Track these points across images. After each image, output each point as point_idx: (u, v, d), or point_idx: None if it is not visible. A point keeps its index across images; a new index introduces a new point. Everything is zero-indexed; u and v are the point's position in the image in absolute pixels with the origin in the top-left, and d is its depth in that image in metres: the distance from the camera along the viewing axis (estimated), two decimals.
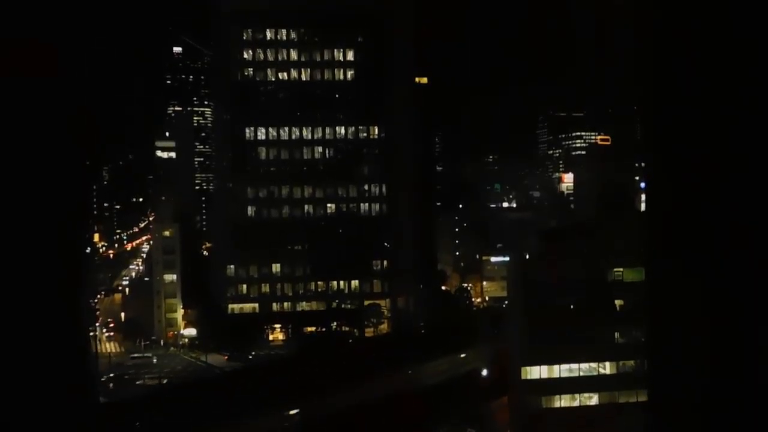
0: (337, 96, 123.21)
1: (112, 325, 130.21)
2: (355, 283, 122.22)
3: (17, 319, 43.55)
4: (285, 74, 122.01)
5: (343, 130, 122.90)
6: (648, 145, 50.70)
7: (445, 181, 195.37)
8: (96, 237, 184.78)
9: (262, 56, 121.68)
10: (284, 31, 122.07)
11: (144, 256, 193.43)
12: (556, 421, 71.28)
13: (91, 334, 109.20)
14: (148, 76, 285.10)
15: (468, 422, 77.31)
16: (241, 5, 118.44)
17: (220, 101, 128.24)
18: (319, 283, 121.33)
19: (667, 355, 46.25)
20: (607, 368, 73.49)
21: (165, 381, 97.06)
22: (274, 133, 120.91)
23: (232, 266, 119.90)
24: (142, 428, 69.80)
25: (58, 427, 46.68)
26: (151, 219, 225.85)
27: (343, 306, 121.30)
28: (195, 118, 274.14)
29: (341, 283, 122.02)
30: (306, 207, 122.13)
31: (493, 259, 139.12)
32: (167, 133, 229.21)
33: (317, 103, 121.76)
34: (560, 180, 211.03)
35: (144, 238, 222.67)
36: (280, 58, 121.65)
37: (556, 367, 72.05)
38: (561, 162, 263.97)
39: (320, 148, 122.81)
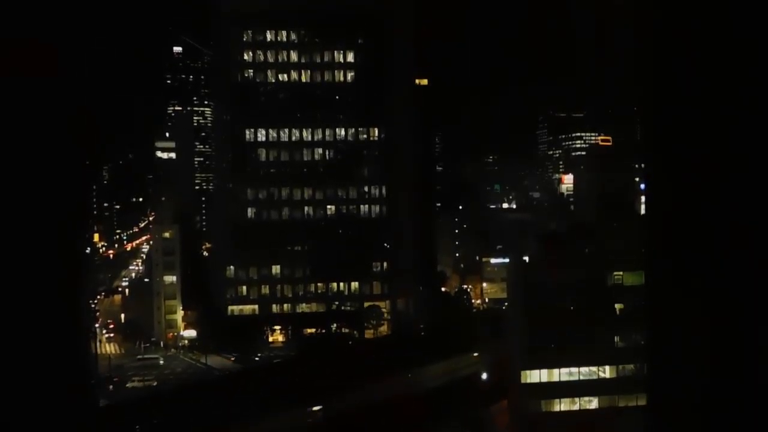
0: (337, 97, 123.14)
1: (111, 326, 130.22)
2: (355, 284, 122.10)
3: (17, 319, 43.49)
4: (285, 75, 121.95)
5: (343, 132, 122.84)
6: (648, 145, 50.66)
7: (445, 181, 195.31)
8: (96, 237, 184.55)
9: (262, 57, 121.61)
10: (284, 33, 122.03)
11: (144, 256, 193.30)
12: (555, 425, 71.27)
13: (92, 335, 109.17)
14: (148, 76, 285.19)
15: (468, 426, 77.17)
16: (241, 6, 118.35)
17: (221, 102, 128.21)
18: (318, 284, 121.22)
19: (667, 355, 46.19)
20: (606, 372, 73.47)
21: (155, 383, 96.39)
22: (274, 135, 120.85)
23: (232, 268, 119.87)
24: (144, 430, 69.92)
25: (58, 427, 46.62)
26: (150, 219, 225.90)
27: (343, 307, 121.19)
28: (195, 118, 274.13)
29: (341, 284, 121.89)
30: (306, 208, 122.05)
31: (493, 260, 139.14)
32: (167, 134, 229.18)
33: (317, 105, 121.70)
34: (560, 181, 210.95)
35: (144, 238, 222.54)
36: (280, 59, 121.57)
37: (555, 371, 72.11)
38: (561, 162, 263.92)
39: (320, 150, 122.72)
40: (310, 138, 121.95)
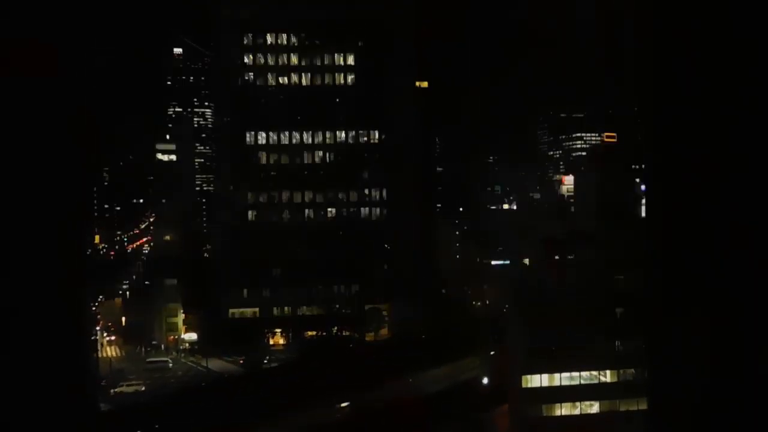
0: (337, 100, 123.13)
1: (112, 329, 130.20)
2: (355, 287, 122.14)
3: (18, 319, 43.41)
4: (285, 78, 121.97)
5: (343, 135, 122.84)
6: (648, 145, 50.66)
7: (446, 182, 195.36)
8: (96, 238, 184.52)
9: (262, 60, 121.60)
10: (284, 36, 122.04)
11: (144, 257, 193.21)
12: (556, 430, 71.15)
13: (92, 337, 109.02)
14: (149, 77, 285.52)
15: (468, 430, 77.11)
16: (241, 10, 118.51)
17: (221, 106, 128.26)
18: (319, 287, 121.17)
19: (667, 355, 46.16)
20: (607, 376, 73.34)
21: (143, 388, 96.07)
22: (275, 138, 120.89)
23: (232, 270, 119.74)
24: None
25: (59, 429, 46.51)
26: (151, 220, 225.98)
27: (343, 310, 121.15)
28: (195, 119, 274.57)
29: (341, 287, 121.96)
30: (306, 211, 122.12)
31: (494, 262, 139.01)
32: (167, 136, 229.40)
33: (318, 108, 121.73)
34: (560, 182, 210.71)
35: (144, 239, 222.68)
36: (280, 62, 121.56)
37: (556, 376, 71.94)
38: (561, 163, 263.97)
39: (321, 153, 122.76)
40: (310, 141, 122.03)
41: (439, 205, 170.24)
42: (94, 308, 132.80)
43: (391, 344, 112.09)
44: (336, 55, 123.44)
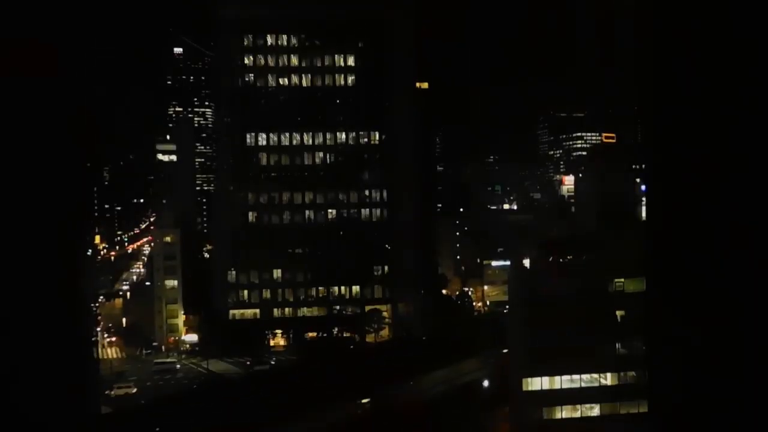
0: (337, 101, 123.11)
1: (113, 330, 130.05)
2: (356, 288, 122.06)
3: (17, 320, 43.33)
4: (285, 80, 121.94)
5: (343, 136, 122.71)
6: (648, 145, 50.59)
7: (446, 181, 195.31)
8: (97, 239, 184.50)
9: (262, 62, 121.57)
10: (285, 37, 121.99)
11: (145, 258, 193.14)
12: None
13: (93, 338, 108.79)
14: (149, 77, 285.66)
15: None
16: (241, 11, 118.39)
17: (221, 107, 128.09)
18: (320, 288, 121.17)
19: (667, 355, 46.06)
20: (608, 379, 73.19)
21: (134, 390, 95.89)
22: (275, 139, 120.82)
23: (233, 272, 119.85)
24: None
25: (58, 429, 46.42)
26: (151, 220, 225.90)
27: (344, 312, 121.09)
28: (196, 118, 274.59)
29: (342, 288, 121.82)
30: (307, 212, 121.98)
31: (494, 263, 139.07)
32: (168, 136, 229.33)
33: (318, 109, 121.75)
34: (561, 182, 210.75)
35: (145, 239, 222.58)
36: (280, 63, 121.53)
37: (557, 378, 71.74)
38: (561, 163, 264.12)
39: (321, 154, 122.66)
40: (310, 142, 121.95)
41: (439, 205, 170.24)
42: (94, 309, 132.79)
43: (392, 346, 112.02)
44: (336, 56, 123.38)
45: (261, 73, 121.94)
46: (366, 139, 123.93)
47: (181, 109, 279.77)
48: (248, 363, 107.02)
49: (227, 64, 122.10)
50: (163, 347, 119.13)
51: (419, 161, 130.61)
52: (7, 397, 44.36)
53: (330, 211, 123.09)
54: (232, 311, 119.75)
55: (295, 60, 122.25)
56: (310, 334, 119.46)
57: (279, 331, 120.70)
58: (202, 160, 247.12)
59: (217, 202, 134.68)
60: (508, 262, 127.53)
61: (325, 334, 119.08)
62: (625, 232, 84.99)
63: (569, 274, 74.19)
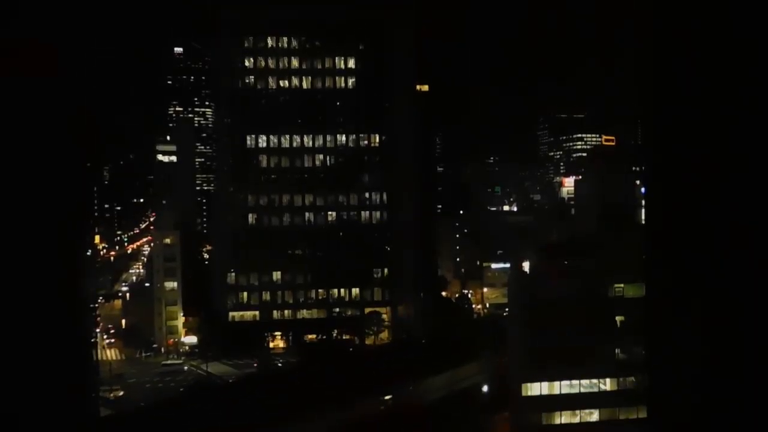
0: (337, 103, 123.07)
1: (112, 331, 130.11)
2: (355, 290, 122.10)
3: (17, 319, 43.36)
4: (286, 82, 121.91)
5: (344, 138, 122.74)
6: (648, 146, 50.67)
7: (446, 182, 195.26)
8: (97, 239, 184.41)
9: (263, 64, 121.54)
10: (285, 39, 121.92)
11: (144, 258, 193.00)
12: None
13: (92, 340, 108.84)
14: (149, 77, 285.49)
15: None
16: (242, 14, 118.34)
17: (222, 109, 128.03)
18: (319, 290, 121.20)
19: (667, 355, 46.13)
20: (607, 384, 73.34)
21: (121, 393, 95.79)
22: (275, 141, 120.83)
23: (233, 274, 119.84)
24: None
25: (58, 430, 46.49)
26: (151, 220, 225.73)
27: (343, 314, 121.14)
28: (196, 118, 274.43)
29: (342, 290, 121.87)
30: (307, 214, 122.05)
31: (494, 265, 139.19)
32: (168, 137, 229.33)
33: (318, 111, 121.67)
34: (561, 184, 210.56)
35: (145, 239, 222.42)
36: (281, 65, 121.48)
37: (556, 383, 71.90)
38: (562, 164, 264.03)
39: (321, 156, 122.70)
40: (311, 144, 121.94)
41: (439, 206, 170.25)
42: (93, 310, 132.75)
43: (391, 349, 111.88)
44: (336, 58, 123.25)
45: (261, 75, 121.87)
46: (366, 141, 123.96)
47: (181, 109, 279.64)
48: (255, 365, 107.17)
49: (227, 65, 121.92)
50: (162, 349, 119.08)
51: (419, 163, 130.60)
52: (5, 399, 44.38)
53: (330, 213, 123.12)
54: (231, 313, 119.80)
55: (295, 62, 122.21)
56: (310, 337, 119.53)
57: (278, 333, 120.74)
58: (202, 160, 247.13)
59: (216, 203, 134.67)
60: (507, 265, 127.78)
61: (324, 337, 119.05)
62: (625, 235, 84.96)
63: (569, 278, 74.20)
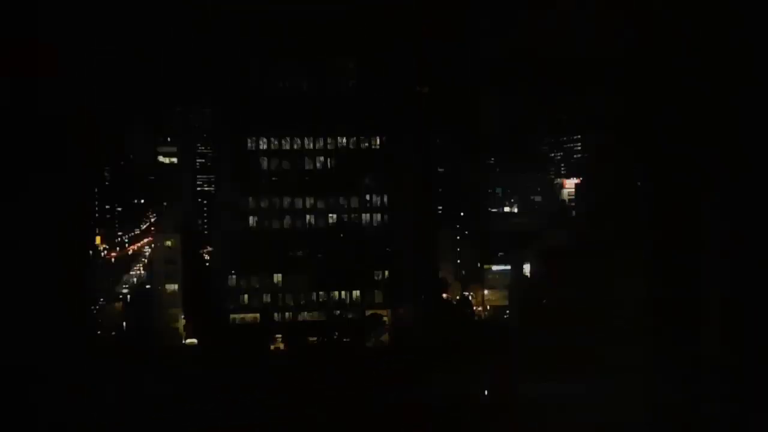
0: (338, 105, 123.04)
1: (113, 333, 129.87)
2: (356, 293, 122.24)
3: (17, 319, 43.45)
4: (286, 83, 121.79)
5: (344, 140, 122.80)
6: (648, 146, 50.80)
7: (446, 183, 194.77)
8: (98, 239, 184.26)
9: (263, 65, 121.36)
10: (285, 40, 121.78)
11: (145, 260, 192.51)
12: None
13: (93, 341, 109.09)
14: (149, 76, 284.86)
15: None
16: (241, 14, 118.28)
17: (222, 111, 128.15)
18: (320, 293, 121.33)
19: (667, 356, 46.26)
20: (608, 387, 73.26)
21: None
22: (276, 143, 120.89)
23: (233, 276, 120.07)
24: None
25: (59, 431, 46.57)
26: (152, 220, 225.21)
27: (344, 316, 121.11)
28: (197, 118, 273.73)
29: (342, 293, 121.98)
30: (307, 217, 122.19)
31: (495, 267, 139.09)
32: (168, 138, 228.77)
33: (318, 113, 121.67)
34: (562, 185, 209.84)
35: (145, 240, 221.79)
36: (281, 67, 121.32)
37: (557, 386, 71.96)
38: (563, 165, 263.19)
39: (322, 158, 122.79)
40: (311, 146, 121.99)
41: (440, 208, 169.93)
42: (95, 312, 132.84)
43: (391, 351, 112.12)
44: (337, 60, 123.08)
45: (261, 77, 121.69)
46: (367, 144, 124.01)
47: (181, 108, 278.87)
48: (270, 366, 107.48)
49: (227, 66, 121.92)
50: None
51: (420, 164, 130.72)
52: (6, 399, 44.56)
53: (330, 215, 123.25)
54: (232, 315, 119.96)
55: (295, 63, 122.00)
56: (310, 339, 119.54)
57: (279, 336, 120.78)
58: (203, 160, 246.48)
59: (217, 206, 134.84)
60: (508, 267, 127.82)
61: (325, 339, 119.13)
62: (626, 238, 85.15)
63: (570, 282, 74.57)
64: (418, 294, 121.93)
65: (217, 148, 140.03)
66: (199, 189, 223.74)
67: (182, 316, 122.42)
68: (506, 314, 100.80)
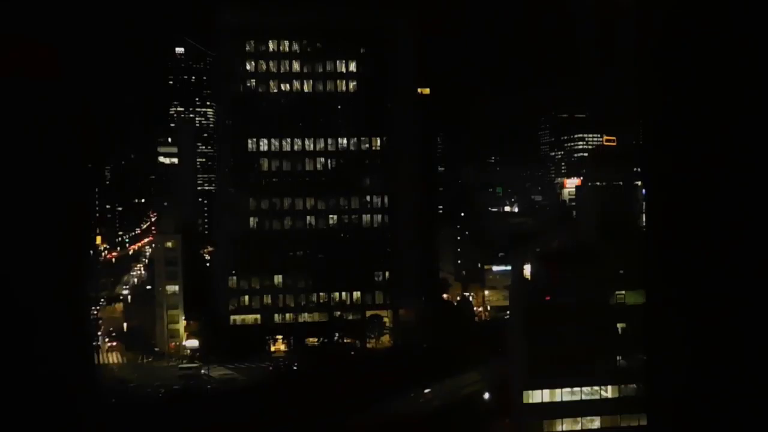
0: (339, 107, 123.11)
1: (113, 334, 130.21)
2: (357, 294, 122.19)
3: (17, 320, 43.42)
4: (287, 85, 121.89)
5: (345, 141, 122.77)
6: (648, 145, 50.66)
7: (447, 183, 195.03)
8: (98, 239, 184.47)
9: (264, 67, 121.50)
10: (286, 43, 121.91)
11: (146, 260, 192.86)
12: None
13: (94, 343, 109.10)
14: (150, 76, 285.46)
15: None
16: (243, 17, 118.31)
17: (223, 112, 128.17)
18: (321, 294, 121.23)
19: (667, 356, 46.16)
20: (609, 392, 73.39)
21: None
22: (277, 144, 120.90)
23: (234, 277, 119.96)
24: None
25: None
26: (152, 220, 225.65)
27: (345, 317, 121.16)
28: (197, 118, 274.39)
29: (343, 294, 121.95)
30: (308, 218, 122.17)
31: (495, 268, 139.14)
32: (169, 139, 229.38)
33: (319, 115, 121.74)
34: (562, 185, 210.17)
35: (146, 240, 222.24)
36: (282, 69, 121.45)
37: (557, 391, 71.97)
38: (563, 164, 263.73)
39: (322, 159, 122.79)
40: (312, 148, 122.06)
41: (440, 207, 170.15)
42: (96, 312, 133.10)
43: (392, 353, 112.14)
44: (338, 61, 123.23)
45: (262, 79, 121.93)
46: (367, 145, 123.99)
47: (182, 109, 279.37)
48: (271, 368, 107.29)
49: (229, 69, 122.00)
50: (164, 353, 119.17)
51: (420, 165, 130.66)
52: (5, 401, 44.48)
53: (331, 216, 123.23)
54: (233, 317, 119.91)
55: (296, 65, 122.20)
56: (311, 340, 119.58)
57: (280, 337, 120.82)
58: (204, 159, 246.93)
59: (218, 207, 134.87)
60: (509, 268, 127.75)
61: (325, 340, 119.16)
62: (627, 241, 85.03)
63: (571, 285, 74.33)
64: (419, 295, 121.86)
65: (219, 149, 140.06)
66: (199, 188, 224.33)
67: (183, 317, 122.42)
68: (506, 315, 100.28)
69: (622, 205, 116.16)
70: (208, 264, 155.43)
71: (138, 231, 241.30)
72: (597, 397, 73.23)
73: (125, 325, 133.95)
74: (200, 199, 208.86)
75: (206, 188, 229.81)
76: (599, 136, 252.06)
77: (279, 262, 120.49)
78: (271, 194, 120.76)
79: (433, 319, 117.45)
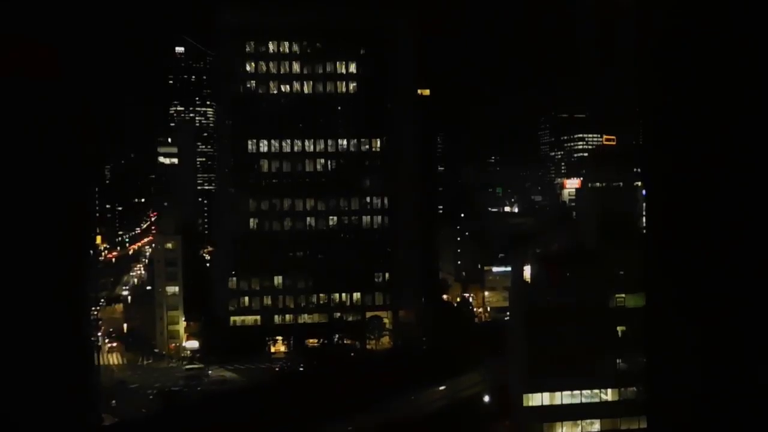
0: (339, 108, 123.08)
1: (113, 335, 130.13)
2: (357, 295, 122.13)
3: (17, 320, 43.30)
4: (287, 87, 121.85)
5: (345, 143, 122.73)
6: (648, 145, 50.54)
7: (447, 183, 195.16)
8: (98, 239, 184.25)
9: (264, 68, 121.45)
10: (286, 44, 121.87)
11: (146, 260, 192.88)
12: None
13: (94, 344, 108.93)
14: (151, 76, 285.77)
15: None
16: (243, 18, 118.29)
17: (223, 113, 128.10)
18: (321, 295, 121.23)
19: (667, 357, 46.09)
20: (609, 394, 73.32)
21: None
22: (277, 145, 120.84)
23: (234, 278, 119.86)
24: None
25: None
26: (152, 219, 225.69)
27: (345, 318, 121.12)
28: (197, 118, 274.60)
29: (343, 295, 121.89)
30: (308, 219, 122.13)
31: (495, 269, 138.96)
32: (169, 139, 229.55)
33: (319, 116, 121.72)
34: (562, 186, 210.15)
35: (146, 240, 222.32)
36: (282, 70, 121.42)
37: (557, 393, 71.92)
38: (563, 164, 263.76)
39: (322, 160, 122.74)
40: (312, 149, 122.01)
41: (440, 207, 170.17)
42: (96, 313, 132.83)
43: (392, 354, 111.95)
44: (338, 63, 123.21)
45: (262, 80, 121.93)
46: (367, 146, 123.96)
47: (182, 109, 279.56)
48: (277, 369, 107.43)
49: (229, 69, 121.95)
50: (164, 353, 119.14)
51: (420, 166, 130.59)
52: (5, 402, 44.38)
53: (331, 217, 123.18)
54: (233, 317, 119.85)
55: (296, 67, 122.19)
56: (311, 341, 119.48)
57: (280, 338, 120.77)
58: (203, 159, 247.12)
59: (218, 208, 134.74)
60: (508, 268, 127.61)
61: (325, 341, 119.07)
62: (627, 242, 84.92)
63: (571, 286, 74.27)
64: (419, 296, 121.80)
65: (219, 149, 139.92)
66: (199, 188, 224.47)
67: (183, 318, 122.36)
68: (506, 316, 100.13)
69: (622, 206, 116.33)
70: (208, 264, 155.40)
71: (138, 231, 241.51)
72: (597, 399, 73.24)
73: (125, 325, 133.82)
74: (200, 199, 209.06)
75: (206, 188, 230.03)
76: (599, 136, 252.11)
77: (279, 263, 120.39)
78: (271, 195, 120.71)
79: (433, 320, 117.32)
